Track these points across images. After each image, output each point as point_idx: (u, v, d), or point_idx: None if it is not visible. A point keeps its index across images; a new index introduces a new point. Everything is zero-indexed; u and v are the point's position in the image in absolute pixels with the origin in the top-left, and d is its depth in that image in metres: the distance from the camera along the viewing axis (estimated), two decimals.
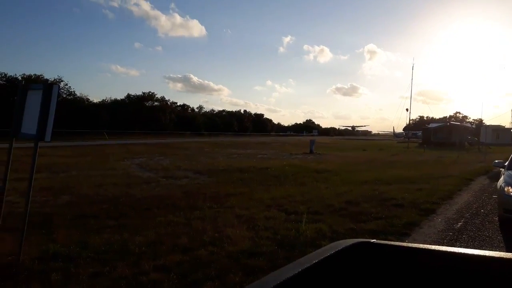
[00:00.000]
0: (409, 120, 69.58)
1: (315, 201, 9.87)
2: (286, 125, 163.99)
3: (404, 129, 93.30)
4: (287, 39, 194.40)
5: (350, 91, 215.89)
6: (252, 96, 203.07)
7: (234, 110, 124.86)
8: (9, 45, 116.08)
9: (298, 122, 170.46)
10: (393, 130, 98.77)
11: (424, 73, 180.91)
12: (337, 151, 38.18)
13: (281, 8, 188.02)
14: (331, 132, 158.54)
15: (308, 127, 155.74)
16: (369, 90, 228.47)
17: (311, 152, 33.27)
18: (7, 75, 57.64)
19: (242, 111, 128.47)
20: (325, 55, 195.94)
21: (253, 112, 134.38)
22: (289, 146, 46.06)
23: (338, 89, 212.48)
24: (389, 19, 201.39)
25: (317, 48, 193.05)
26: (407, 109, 62.86)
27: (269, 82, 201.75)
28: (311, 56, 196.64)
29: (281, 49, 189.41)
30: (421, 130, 68.97)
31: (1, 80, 56.93)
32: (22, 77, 56.34)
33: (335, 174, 16.48)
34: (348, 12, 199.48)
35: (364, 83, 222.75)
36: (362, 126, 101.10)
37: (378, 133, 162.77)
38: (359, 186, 13.05)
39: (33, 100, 5.70)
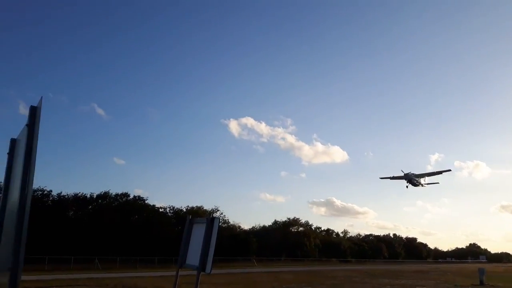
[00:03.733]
0: None
1: None
2: (444, 250, 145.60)
3: None
4: (434, 156, 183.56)
5: None
6: (402, 218, 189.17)
7: (382, 234, 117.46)
8: (176, 182, 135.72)
9: (459, 247, 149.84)
10: None
11: None
12: None
13: (426, 126, 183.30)
14: (503, 258, 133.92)
15: (473, 252, 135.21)
16: None
17: (481, 283, 28.24)
18: (174, 208, 66.42)
19: (391, 235, 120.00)
20: (482, 171, 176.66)
21: (403, 235, 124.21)
22: (452, 275, 40.07)
23: (504, 208, 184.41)
24: None
25: (470, 164, 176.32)
26: None
27: (419, 202, 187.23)
28: (465, 173, 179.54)
29: (429, 167, 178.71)
30: None
31: (169, 212, 65.61)
32: (186, 209, 64.15)
33: None
34: (503, 125, 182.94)
35: None
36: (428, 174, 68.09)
37: None
38: None
39: (197, 233, 6.44)
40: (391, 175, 70.57)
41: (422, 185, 70.76)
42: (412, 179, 67.81)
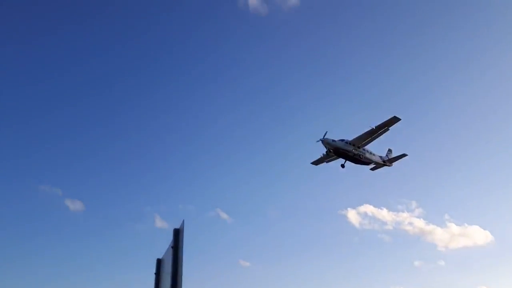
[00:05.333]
0: None
1: None
2: None
3: None
4: None
5: None
6: None
7: None
8: (301, 282, 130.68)
9: None
10: None
11: None
12: None
13: None
14: None
15: None
16: None
17: None
18: None
19: None
20: None
21: None
22: None
23: None
24: None
25: None
26: None
27: None
28: None
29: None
30: None
31: None
32: None
33: None
34: None
35: None
36: None
37: None
38: None
39: None
40: (322, 153, 47.24)
41: (373, 162, 48.21)
42: (342, 150, 44.32)
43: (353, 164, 47.70)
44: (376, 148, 49.05)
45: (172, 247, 3.47)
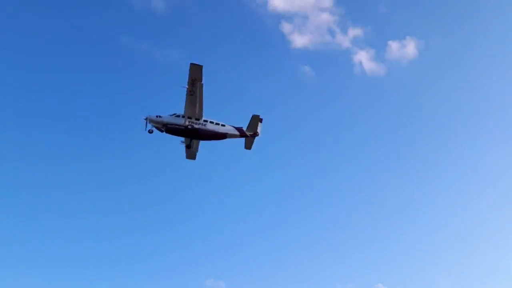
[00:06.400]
0: None
1: None
2: None
3: None
4: None
5: None
6: None
7: None
8: None
9: None
10: None
11: None
12: None
13: None
14: None
15: None
16: None
17: None
18: None
19: None
20: None
21: None
22: None
23: None
24: None
25: None
26: None
27: None
28: None
29: None
30: None
31: None
32: None
33: None
34: None
35: None
36: None
37: None
38: None
39: None
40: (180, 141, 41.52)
41: (229, 135, 39.99)
42: (172, 125, 38.20)
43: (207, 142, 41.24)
44: None
45: None
